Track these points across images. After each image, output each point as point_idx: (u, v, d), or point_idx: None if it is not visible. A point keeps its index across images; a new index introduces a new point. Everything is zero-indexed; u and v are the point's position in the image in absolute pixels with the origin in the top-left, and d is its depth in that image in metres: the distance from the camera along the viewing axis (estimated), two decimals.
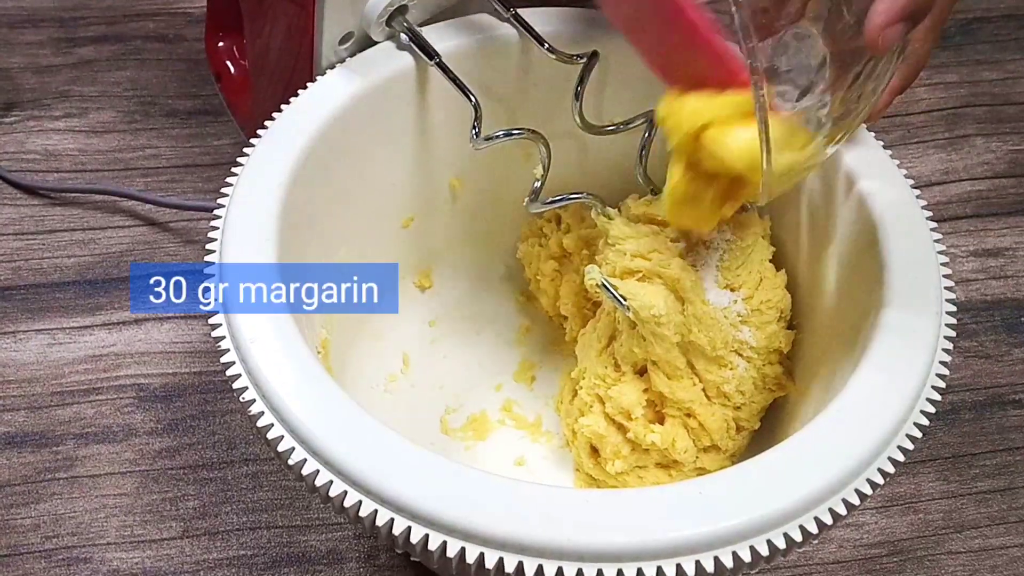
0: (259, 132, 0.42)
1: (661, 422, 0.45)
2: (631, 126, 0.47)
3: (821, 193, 0.44)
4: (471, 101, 0.44)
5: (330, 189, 0.44)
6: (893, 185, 0.41)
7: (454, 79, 0.44)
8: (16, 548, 0.49)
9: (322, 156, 0.42)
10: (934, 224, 0.39)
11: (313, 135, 0.42)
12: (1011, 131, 0.69)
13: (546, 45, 0.46)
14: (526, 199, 0.45)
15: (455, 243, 0.55)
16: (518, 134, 0.44)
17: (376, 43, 0.46)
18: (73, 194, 0.64)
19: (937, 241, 0.39)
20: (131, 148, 0.67)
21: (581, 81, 0.46)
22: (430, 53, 0.45)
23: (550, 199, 0.45)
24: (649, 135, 0.46)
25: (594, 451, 0.46)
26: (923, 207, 0.40)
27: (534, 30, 0.47)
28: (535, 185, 0.44)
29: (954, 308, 0.37)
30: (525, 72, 0.49)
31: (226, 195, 0.39)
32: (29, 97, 0.69)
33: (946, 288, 0.37)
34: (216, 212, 0.39)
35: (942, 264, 0.38)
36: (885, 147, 0.43)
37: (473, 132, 0.44)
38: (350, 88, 0.44)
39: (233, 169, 0.40)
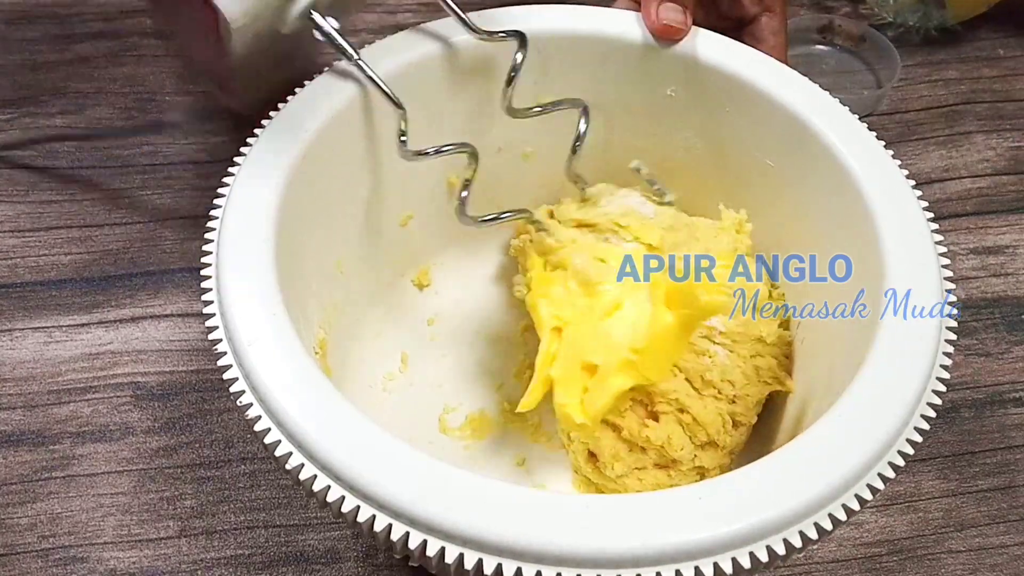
0: (255, 131, 0.42)
1: (656, 420, 0.44)
2: (556, 108, 0.47)
3: (820, 191, 0.44)
4: (397, 106, 0.43)
5: (328, 188, 0.44)
6: (892, 183, 0.41)
7: (375, 80, 0.43)
8: (13, 547, 0.49)
9: (320, 155, 0.42)
10: (935, 225, 0.39)
11: (311, 134, 0.42)
12: (1011, 128, 0.69)
13: (470, 24, 0.46)
14: (455, 206, 0.44)
15: (453, 241, 0.55)
16: (448, 149, 0.44)
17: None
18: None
19: (939, 243, 0.39)
20: (128, 145, 0.67)
21: (514, 68, 0.46)
22: (348, 54, 0.44)
23: (486, 216, 0.45)
24: (585, 127, 0.47)
25: (591, 456, 0.45)
26: (924, 208, 0.40)
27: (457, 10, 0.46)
28: (461, 195, 0.44)
29: (955, 311, 0.37)
30: (458, 78, 0.49)
31: (223, 195, 0.39)
32: (26, 94, 0.69)
33: (947, 290, 0.37)
34: (213, 213, 0.39)
35: (943, 266, 0.38)
36: (885, 144, 0.43)
37: (401, 141, 0.43)
38: (347, 87, 0.44)
39: (230, 169, 0.40)
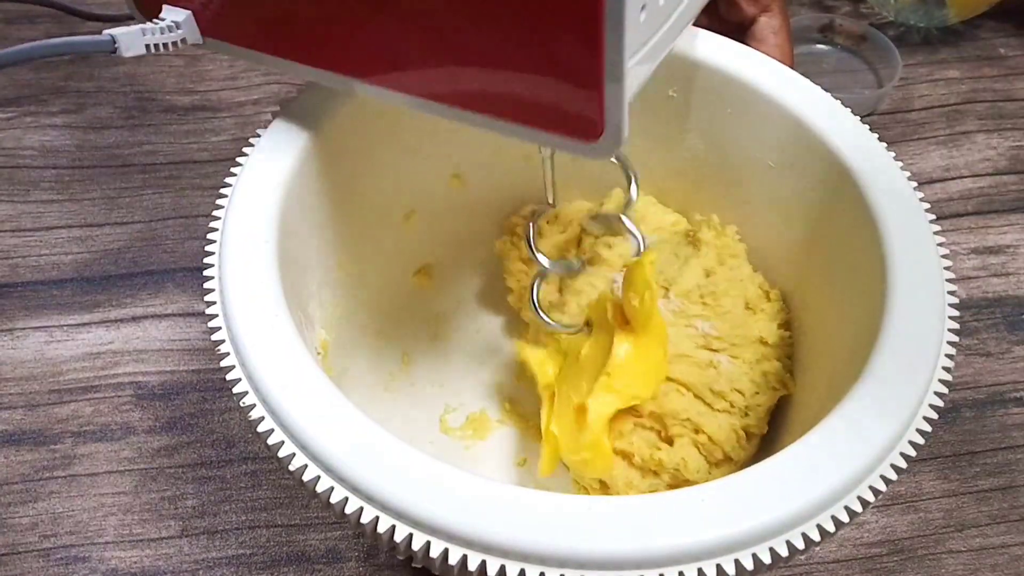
0: (258, 131, 0.42)
1: (671, 444, 0.44)
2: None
3: (821, 191, 0.44)
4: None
5: (331, 187, 0.44)
6: (894, 183, 0.41)
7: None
8: (14, 547, 0.49)
9: (323, 153, 0.42)
10: (937, 227, 0.39)
11: (314, 133, 0.42)
12: (1012, 127, 0.69)
13: None
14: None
15: (455, 240, 0.55)
16: None
17: None
18: None
19: (941, 244, 0.38)
20: (128, 144, 0.67)
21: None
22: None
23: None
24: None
25: (603, 485, 0.45)
26: (926, 208, 0.40)
27: None
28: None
29: (957, 313, 0.36)
30: None
31: (225, 195, 0.39)
32: (26, 92, 0.69)
33: (949, 292, 0.37)
34: (215, 213, 0.39)
35: (945, 268, 0.38)
36: (886, 145, 0.43)
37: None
38: None
39: (232, 169, 0.40)
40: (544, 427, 0.45)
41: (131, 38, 0.40)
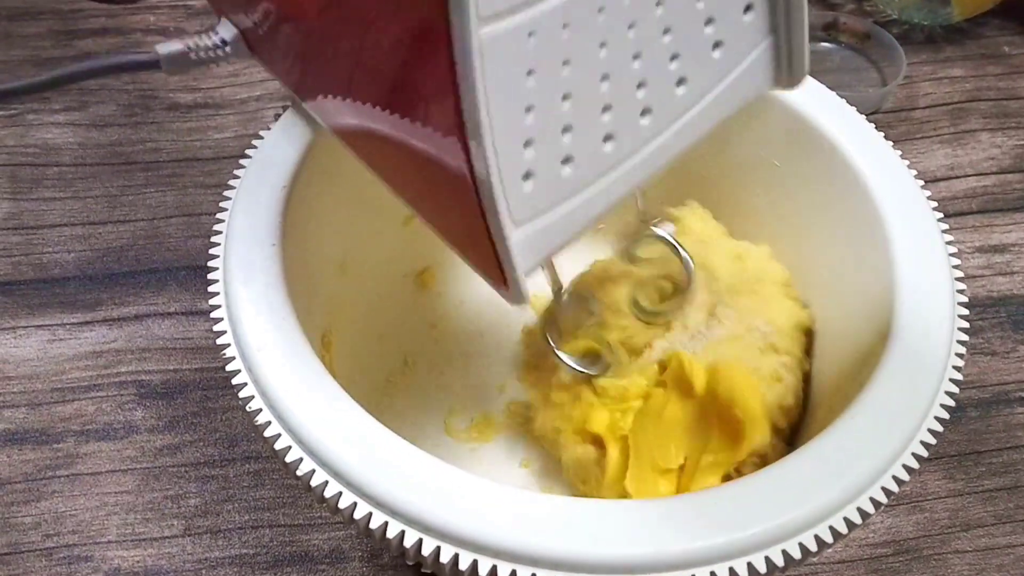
0: (262, 132, 0.41)
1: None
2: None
3: (826, 190, 0.44)
4: None
5: (335, 187, 0.44)
6: (900, 182, 0.41)
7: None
8: (17, 546, 0.49)
9: (327, 153, 0.42)
10: (945, 225, 0.39)
11: (319, 132, 0.41)
12: (1017, 126, 0.69)
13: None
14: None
15: None
16: None
17: None
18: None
19: (949, 243, 0.38)
20: (131, 142, 0.67)
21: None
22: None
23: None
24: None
25: None
26: (933, 208, 0.40)
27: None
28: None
29: (966, 311, 0.36)
30: None
31: (229, 197, 0.39)
32: None
33: (958, 291, 0.37)
34: (219, 216, 0.38)
35: (954, 267, 0.37)
36: (891, 143, 0.43)
37: None
38: None
39: (236, 171, 0.40)
40: (611, 478, 0.42)
41: (176, 56, 0.39)
